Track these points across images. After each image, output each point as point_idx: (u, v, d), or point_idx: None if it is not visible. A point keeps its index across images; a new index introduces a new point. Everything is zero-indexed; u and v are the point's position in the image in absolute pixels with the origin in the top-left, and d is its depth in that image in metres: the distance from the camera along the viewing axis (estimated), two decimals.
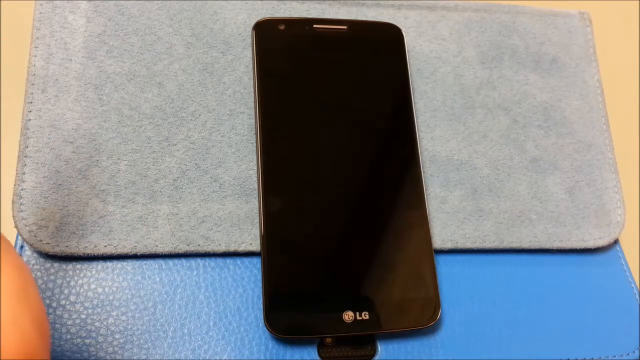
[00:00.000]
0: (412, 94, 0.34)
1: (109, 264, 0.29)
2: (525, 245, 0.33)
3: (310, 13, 0.35)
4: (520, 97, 0.36)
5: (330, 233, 0.30)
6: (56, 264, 0.29)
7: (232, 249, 0.30)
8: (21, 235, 0.28)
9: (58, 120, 0.30)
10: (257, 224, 0.30)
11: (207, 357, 0.28)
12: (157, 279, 0.29)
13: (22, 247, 0.29)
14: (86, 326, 0.28)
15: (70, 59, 0.31)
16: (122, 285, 0.29)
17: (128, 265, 0.29)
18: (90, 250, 0.28)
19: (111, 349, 0.27)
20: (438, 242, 0.32)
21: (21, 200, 0.28)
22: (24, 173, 0.29)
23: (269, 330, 0.28)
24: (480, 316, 0.31)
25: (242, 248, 0.30)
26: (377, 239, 0.30)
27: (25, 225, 0.28)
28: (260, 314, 0.29)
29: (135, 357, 0.27)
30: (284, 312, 0.28)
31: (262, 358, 0.28)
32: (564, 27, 0.38)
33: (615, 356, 0.31)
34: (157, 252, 0.29)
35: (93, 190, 0.29)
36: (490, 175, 0.34)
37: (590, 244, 0.33)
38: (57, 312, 0.28)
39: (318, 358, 0.29)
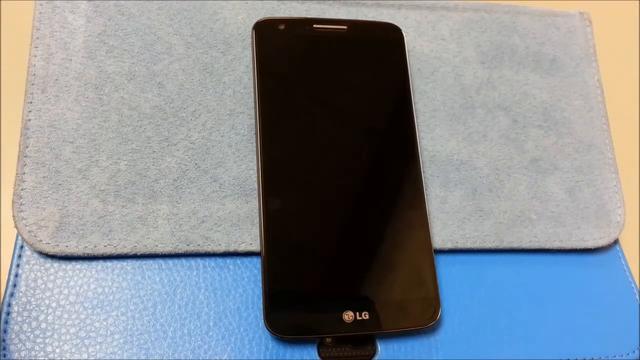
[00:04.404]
0: (412, 94, 0.34)
1: (109, 264, 0.29)
2: (525, 245, 0.33)
3: (310, 13, 0.35)
4: (520, 97, 0.36)
5: (330, 233, 0.30)
6: (56, 264, 0.29)
7: (232, 249, 0.30)
8: (21, 235, 0.28)
9: (58, 120, 0.30)
10: (257, 224, 0.30)
11: (207, 357, 0.28)
12: (157, 279, 0.29)
13: (22, 247, 0.29)
14: (86, 326, 0.28)
15: (70, 59, 0.31)
16: (122, 285, 0.29)
17: (128, 265, 0.29)
18: (90, 250, 0.28)
19: (111, 349, 0.27)
20: (438, 242, 0.32)
21: (21, 200, 0.28)
22: (24, 173, 0.29)
23: (269, 330, 0.28)
24: (480, 316, 0.31)
25: (242, 248, 0.30)
26: (377, 239, 0.30)
27: (25, 225, 0.28)
28: (260, 314, 0.29)
29: (135, 357, 0.27)
30: (284, 312, 0.28)
31: (262, 358, 0.28)
32: (564, 27, 0.38)
33: (615, 356, 0.31)
34: (157, 252, 0.29)
35: (93, 190, 0.29)
36: (490, 175, 0.34)
37: (590, 244, 0.33)
38: (57, 312, 0.28)
39: (318, 358, 0.29)
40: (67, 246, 0.28)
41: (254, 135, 0.32)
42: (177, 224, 0.29)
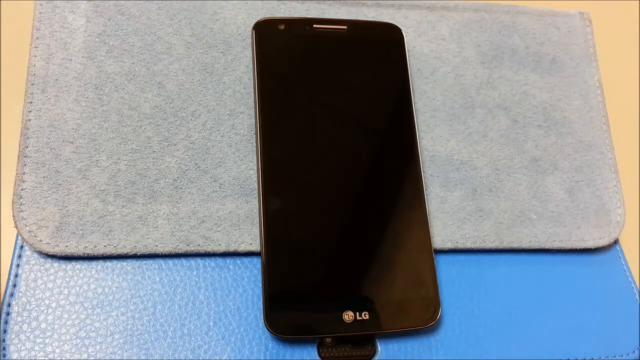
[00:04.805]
0: (412, 94, 0.34)
1: (108, 264, 0.29)
2: (525, 245, 0.33)
3: (310, 13, 0.35)
4: (520, 97, 0.36)
5: (330, 233, 0.30)
6: (56, 264, 0.29)
7: (232, 249, 0.30)
8: (21, 235, 0.28)
9: (58, 120, 0.30)
10: (257, 224, 0.30)
11: (207, 357, 0.28)
12: (157, 279, 0.29)
13: (22, 247, 0.29)
14: (86, 326, 0.28)
15: (70, 59, 0.31)
16: (122, 285, 0.29)
17: (128, 265, 0.29)
18: (90, 250, 0.28)
19: (111, 349, 0.27)
20: (438, 242, 0.32)
21: (21, 200, 0.28)
22: (24, 173, 0.29)
23: (269, 330, 0.28)
24: (480, 316, 0.31)
25: (242, 248, 0.30)
26: (377, 238, 0.30)
27: (25, 225, 0.28)
28: (260, 314, 0.29)
29: (135, 357, 0.27)
30: (284, 312, 0.28)
31: (262, 358, 0.28)
32: (564, 27, 0.38)
33: (615, 356, 0.31)
34: (157, 252, 0.29)
35: (93, 190, 0.29)
36: (490, 175, 0.34)
37: (590, 244, 0.33)
38: (57, 312, 0.28)
39: (318, 358, 0.29)
40: (67, 246, 0.28)
41: (254, 135, 0.32)
42: (177, 224, 0.29)
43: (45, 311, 0.28)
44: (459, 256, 0.33)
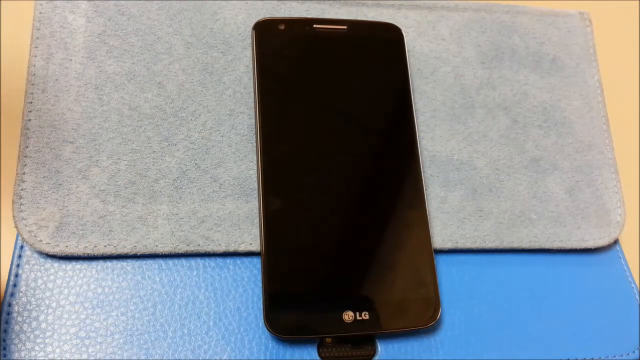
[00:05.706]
0: (412, 94, 0.34)
1: (109, 264, 0.29)
2: (525, 245, 0.33)
3: (310, 13, 0.35)
4: (520, 97, 0.36)
5: (330, 233, 0.30)
6: (56, 264, 0.29)
7: (232, 249, 0.30)
8: (21, 235, 0.28)
9: (58, 120, 0.30)
10: (257, 224, 0.30)
11: (207, 357, 0.28)
12: (157, 279, 0.29)
13: (22, 247, 0.29)
14: (86, 326, 0.28)
15: (70, 59, 0.31)
16: (122, 285, 0.29)
17: (128, 265, 0.29)
18: (90, 250, 0.28)
19: (111, 349, 0.27)
20: (438, 242, 0.32)
21: (21, 200, 0.28)
22: (24, 173, 0.29)
23: (269, 330, 0.28)
24: (480, 316, 0.31)
25: (242, 248, 0.30)
26: (377, 238, 0.30)
27: (25, 225, 0.28)
28: (260, 314, 0.29)
29: (135, 357, 0.27)
30: (284, 312, 0.28)
31: (262, 358, 0.28)
32: (564, 27, 0.38)
33: (615, 356, 0.31)
34: (157, 252, 0.29)
35: (93, 190, 0.29)
36: (490, 175, 0.34)
37: (590, 244, 0.33)
38: (57, 312, 0.28)
39: (318, 358, 0.29)
40: (67, 246, 0.28)
41: (254, 135, 0.32)
42: (177, 224, 0.29)
43: (45, 311, 0.28)
44: (459, 256, 0.33)
